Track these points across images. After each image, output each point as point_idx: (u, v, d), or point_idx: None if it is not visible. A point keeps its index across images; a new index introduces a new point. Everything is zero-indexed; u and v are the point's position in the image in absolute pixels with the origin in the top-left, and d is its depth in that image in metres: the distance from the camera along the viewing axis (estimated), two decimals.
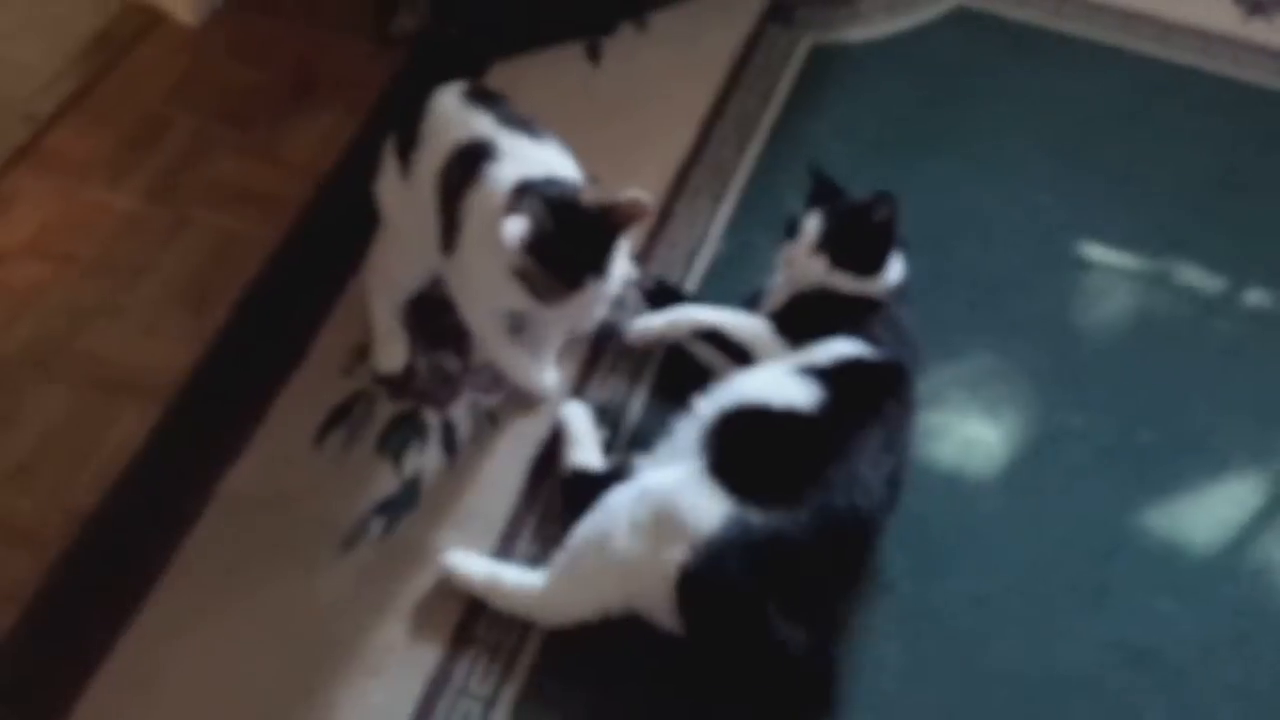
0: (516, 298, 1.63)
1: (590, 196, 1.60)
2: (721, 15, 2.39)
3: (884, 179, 1.80)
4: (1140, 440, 1.85)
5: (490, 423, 1.81)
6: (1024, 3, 2.48)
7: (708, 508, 1.53)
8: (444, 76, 1.77)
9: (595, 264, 1.59)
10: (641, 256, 1.98)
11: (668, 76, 2.29)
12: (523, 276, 1.58)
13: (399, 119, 1.78)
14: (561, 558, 1.59)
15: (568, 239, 1.56)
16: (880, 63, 2.35)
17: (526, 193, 1.58)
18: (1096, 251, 2.10)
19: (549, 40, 2.31)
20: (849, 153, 2.18)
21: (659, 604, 1.54)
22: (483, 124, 1.68)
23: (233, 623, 1.61)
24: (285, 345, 1.87)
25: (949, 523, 1.75)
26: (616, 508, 1.57)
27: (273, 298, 1.94)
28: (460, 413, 1.82)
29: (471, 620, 1.62)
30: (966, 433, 1.85)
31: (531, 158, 1.65)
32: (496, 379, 1.84)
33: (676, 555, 1.51)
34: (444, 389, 1.84)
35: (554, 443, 1.77)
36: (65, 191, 2.05)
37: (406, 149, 1.73)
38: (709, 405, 1.65)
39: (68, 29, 2.28)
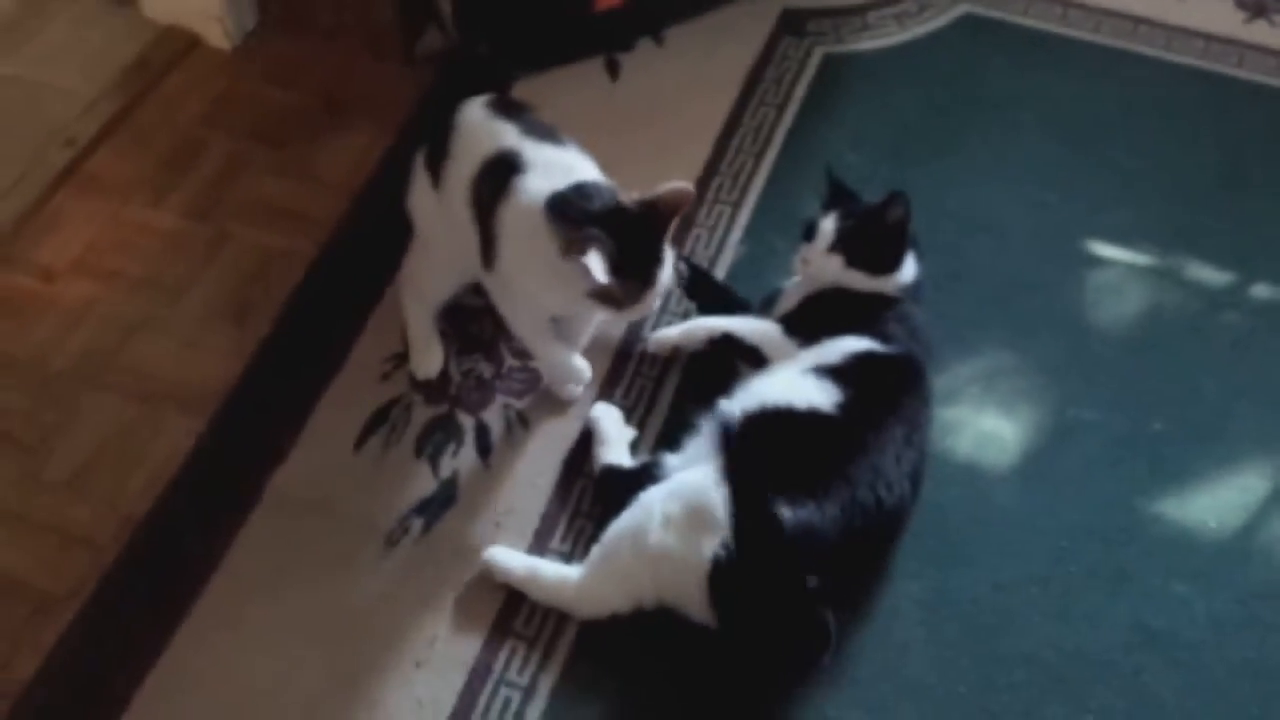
0: (562, 304, 1.68)
1: (630, 198, 1.64)
2: (735, 29, 2.44)
3: (896, 182, 1.84)
4: (1153, 430, 1.88)
5: (522, 424, 1.86)
6: (1030, 9, 2.51)
7: None
8: (470, 93, 1.83)
9: (657, 257, 1.64)
10: None
11: (686, 89, 2.33)
12: (604, 296, 1.63)
13: (429, 133, 1.83)
14: (597, 552, 1.64)
15: (630, 246, 1.61)
16: (890, 70, 2.39)
17: (563, 212, 1.62)
18: (1106, 248, 2.13)
19: (570, 57, 2.36)
20: (862, 158, 2.22)
21: (692, 596, 1.58)
22: (508, 135, 1.72)
23: (281, 619, 1.66)
24: (325, 354, 1.92)
25: (969, 513, 1.78)
26: (650, 504, 1.61)
27: (312, 309, 1.99)
28: (493, 415, 1.87)
29: (510, 613, 1.67)
30: (983, 426, 1.89)
31: (556, 164, 1.69)
32: (527, 383, 1.91)
33: (709, 549, 1.56)
34: (477, 393, 1.90)
35: (584, 442, 1.82)
36: (109, 212, 2.11)
37: (437, 162, 1.79)
38: (734, 406, 1.68)
39: (106, 56, 2.34)
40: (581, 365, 1.87)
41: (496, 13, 2.26)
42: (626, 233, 1.62)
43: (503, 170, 1.69)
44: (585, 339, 1.88)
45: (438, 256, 1.87)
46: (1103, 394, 1.93)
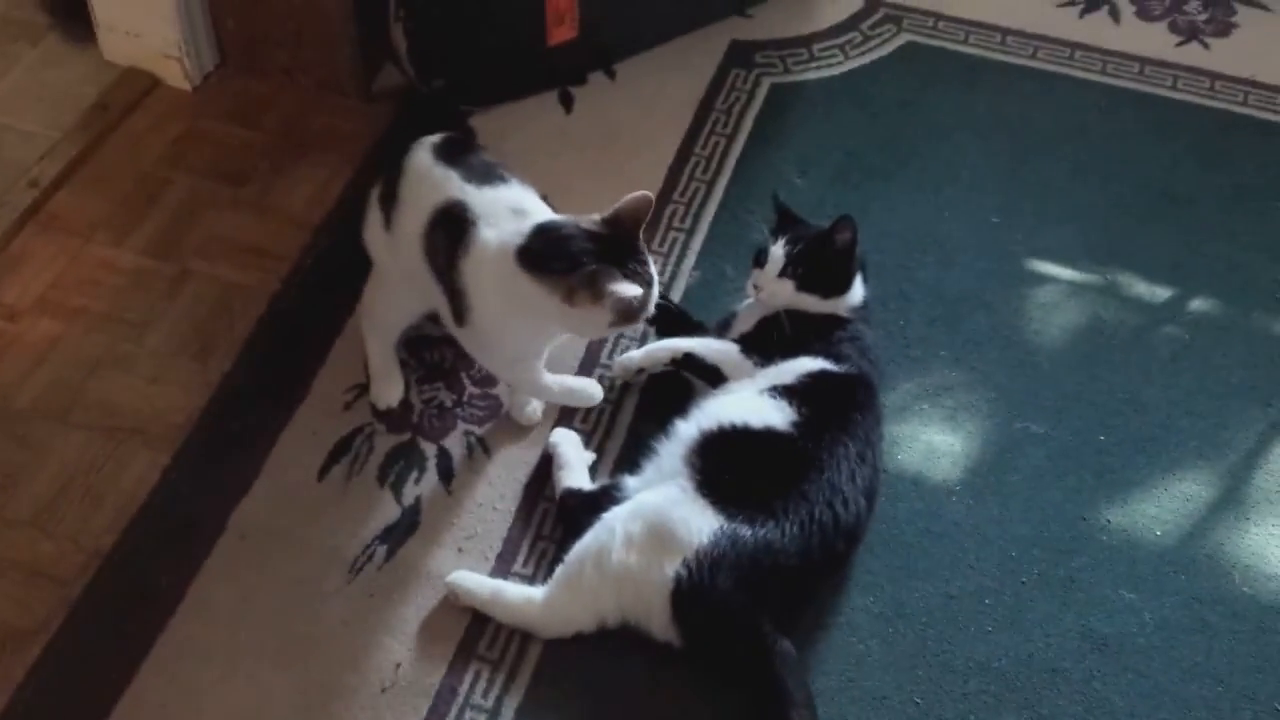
0: (548, 338, 1.72)
1: (593, 222, 1.65)
2: (685, 62, 2.48)
3: (844, 206, 1.89)
4: (1097, 442, 1.92)
5: (483, 450, 1.89)
6: (970, 37, 2.57)
7: (698, 522, 1.61)
8: (427, 129, 1.85)
9: (643, 259, 1.65)
10: None
11: (638, 121, 2.37)
12: (626, 315, 1.63)
13: (385, 168, 1.85)
14: (560, 572, 1.66)
15: (619, 261, 1.62)
16: (836, 98, 2.44)
17: (544, 264, 1.62)
18: (1048, 265, 2.18)
19: (525, 92, 2.40)
20: (810, 183, 2.27)
21: (654, 615, 1.61)
22: (451, 185, 1.71)
23: (246, 648, 1.67)
24: (288, 386, 1.94)
25: (921, 526, 1.82)
26: (612, 524, 1.64)
27: (274, 342, 2.00)
28: (454, 442, 1.90)
29: (474, 637, 1.68)
30: (933, 442, 1.92)
31: (504, 206, 1.69)
32: (488, 410, 1.93)
33: (670, 568, 1.59)
34: (439, 420, 1.92)
35: (544, 467, 1.85)
36: (72, 251, 2.13)
37: (388, 204, 1.79)
38: (690, 427, 1.74)
39: (67, 98, 2.36)
40: (587, 384, 1.89)
41: (451, 49, 2.29)
42: (611, 252, 1.63)
43: (454, 224, 1.69)
44: (543, 359, 1.91)
45: (393, 287, 1.88)
46: (1048, 407, 1.96)
